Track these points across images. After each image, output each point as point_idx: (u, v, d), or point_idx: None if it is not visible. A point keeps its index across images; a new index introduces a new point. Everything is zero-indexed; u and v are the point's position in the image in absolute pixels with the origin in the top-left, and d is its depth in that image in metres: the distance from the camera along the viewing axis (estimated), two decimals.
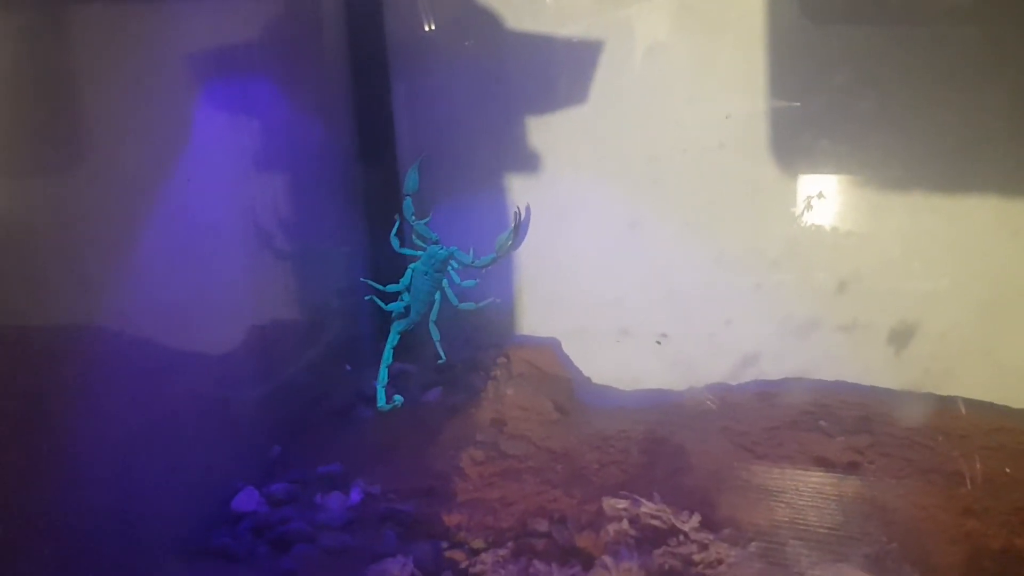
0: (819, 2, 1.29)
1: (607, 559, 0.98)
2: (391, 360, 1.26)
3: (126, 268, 0.95)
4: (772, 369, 1.42)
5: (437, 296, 1.28)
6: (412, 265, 1.28)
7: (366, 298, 1.29)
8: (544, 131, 1.43)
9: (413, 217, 1.29)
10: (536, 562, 0.99)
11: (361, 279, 1.33)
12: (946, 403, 1.31)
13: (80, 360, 0.87)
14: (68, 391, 0.86)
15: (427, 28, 1.38)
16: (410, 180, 1.30)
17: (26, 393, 0.80)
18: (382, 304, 1.28)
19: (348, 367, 1.48)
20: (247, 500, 1.15)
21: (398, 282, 1.28)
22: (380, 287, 1.29)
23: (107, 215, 0.91)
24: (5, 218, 0.78)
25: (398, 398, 1.23)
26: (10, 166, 0.78)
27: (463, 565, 1.01)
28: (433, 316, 1.28)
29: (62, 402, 0.85)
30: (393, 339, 1.28)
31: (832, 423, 1.26)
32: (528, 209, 1.19)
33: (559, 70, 1.40)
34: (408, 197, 1.29)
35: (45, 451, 0.82)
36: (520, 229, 1.20)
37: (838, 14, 1.28)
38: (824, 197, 1.34)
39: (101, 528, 0.90)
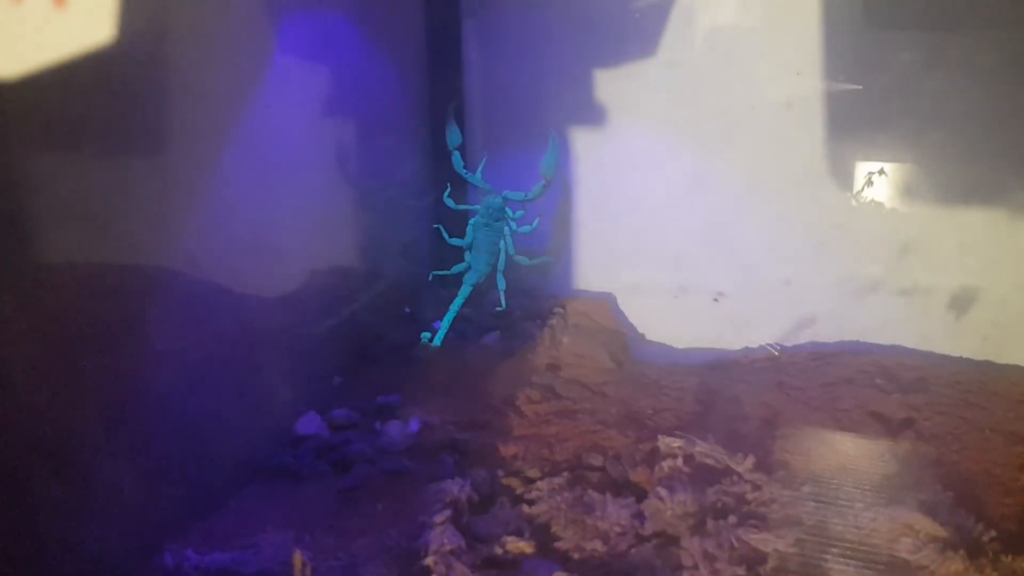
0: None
1: (662, 491, 0.99)
2: (458, 310, 1.32)
3: (208, 201, 0.98)
4: (828, 331, 1.42)
5: (502, 245, 1.32)
6: (472, 220, 1.32)
7: (430, 278, 1.38)
8: (613, 82, 1.44)
9: (464, 171, 1.32)
10: (591, 491, 1.01)
11: (434, 225, 1.39)
12: (1004, 370, 1.31)
13: (164, 291, 0.91)
14: (152, 320, 0.89)
15: None
16: (452, 135, 1.33)
17: (116, 320, 0.84)
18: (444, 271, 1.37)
19: (408, 309, 1.52)
20: (309, 424, 1.18)
21: (462, 235, 1.34)
22: (447, 237, 1.35)
23: (192, 146, 0.94)
24: (105, 152, 0.81)
25: (427, 335, 1.32)
26: (105, 92, 0.81)
27: (519, 491, 1.03)
28: (501, 266, 1.32)
29: (148, 329, 0.89)
30: (465, 291, 1.33)
31: (888, 382, 1.26)
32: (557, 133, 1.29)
33: (631, 20, 1.41)
34: (455, 152, 1.32)
35: (134, 374, 0.87)
36: (558, 150, 1.28)
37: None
38: (893, 162, 1.34)
39: (180, 445, 0.95)
